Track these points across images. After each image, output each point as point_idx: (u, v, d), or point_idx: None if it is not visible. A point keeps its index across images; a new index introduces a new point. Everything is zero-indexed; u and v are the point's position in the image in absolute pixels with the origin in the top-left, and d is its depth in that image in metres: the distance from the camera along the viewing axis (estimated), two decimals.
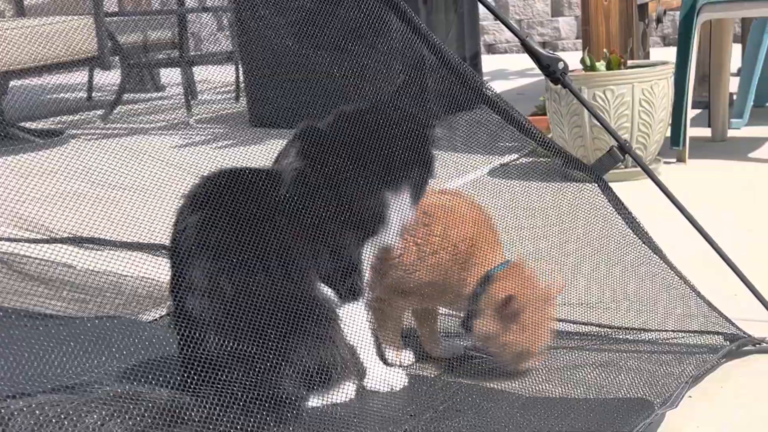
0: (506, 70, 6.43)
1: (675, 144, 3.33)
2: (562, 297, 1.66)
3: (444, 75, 1.63)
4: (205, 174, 1.46)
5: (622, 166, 2.95)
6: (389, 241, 1.54)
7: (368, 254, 1.52)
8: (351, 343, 1.50)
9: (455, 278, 1.59)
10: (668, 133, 3.28)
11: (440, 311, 1.74)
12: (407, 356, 1.70)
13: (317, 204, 1.47)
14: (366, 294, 1.51)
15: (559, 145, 1.77)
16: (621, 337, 1.75)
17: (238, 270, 1.38)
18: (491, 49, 7.96)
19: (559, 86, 1.72)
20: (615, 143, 1.71)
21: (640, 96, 3.08)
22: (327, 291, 1.49)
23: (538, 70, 1.70)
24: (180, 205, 1.46)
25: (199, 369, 1.36)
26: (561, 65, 1.70)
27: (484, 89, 1.67)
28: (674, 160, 3.36)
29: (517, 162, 2.06)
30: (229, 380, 1.35)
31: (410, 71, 1.64)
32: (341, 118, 1.56)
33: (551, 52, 1.69)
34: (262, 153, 1.58)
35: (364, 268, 1.52)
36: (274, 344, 1.37)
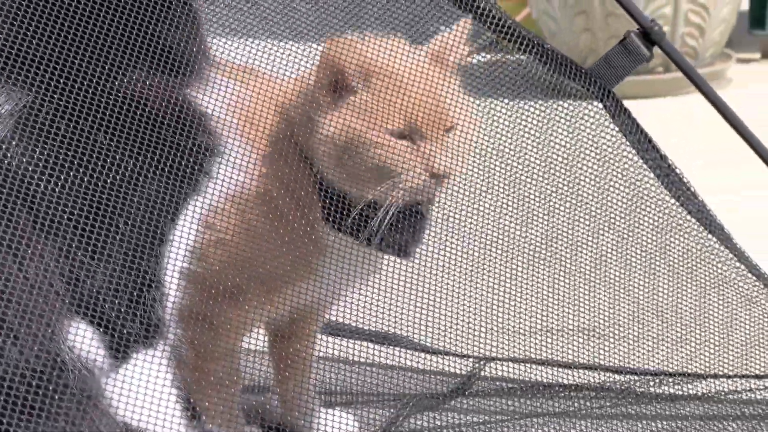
0: None
1: (758, 25, 3.25)
2: (555, 320, 1.66)
3: None
4: None
5: (660, 69, 2.84)
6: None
7: (183, 240, 1.46)
8: (136, 424, 1.42)
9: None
10: (745, 6, 3.21)
11: (316, 352, 1.73)
12: None
13: (78, 161, 1.42)
14: (172, 324, 1.47)
15: (536, 35, 1.69)
16: (652, 390, 1.75)
17: None
18: None
19: None
20: (636, 26, 1.66)
21: None
22: (85, 341, 1.40)
23: None
24: None
25: None
26: None
27: None
28: (756, 54, 3.29)
29: (466, 63, 1.86)
30: None
31: None
32: None
33: None
34: None
35: (173, 272, 1.46)
36: None
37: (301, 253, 1.60)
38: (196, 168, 1.52)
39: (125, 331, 1.43)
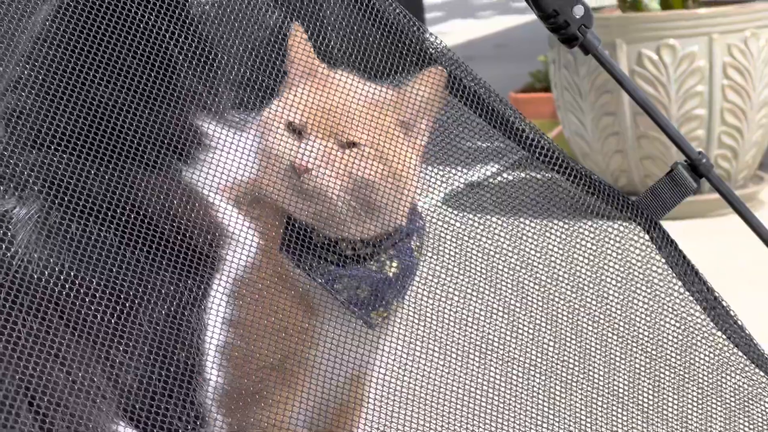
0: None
1: None
2: None
3: (346, 12, 1.59)
4: None
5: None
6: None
7: (219, 322, 1.49)
8: None
9: None
10: None
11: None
12: None
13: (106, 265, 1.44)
14: (213, 410, 1.50)
15: (569, 157, 1.69)
16: None
17: None
18: None
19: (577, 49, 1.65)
20: (682, 157, 1.66)
21: (724, 58, 3.00)
22: None
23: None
24: None
25: None
26: (580, 12, 1.62)
27: (426, 42, 1.60)
28: None
29: (497, 180, 1.89)
30: None
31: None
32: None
33: None
34: None
35: (212, 356, 1.49)
36: None
37: (289, 308, 1.57)
38: (212, 253, 1.51)
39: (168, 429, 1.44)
